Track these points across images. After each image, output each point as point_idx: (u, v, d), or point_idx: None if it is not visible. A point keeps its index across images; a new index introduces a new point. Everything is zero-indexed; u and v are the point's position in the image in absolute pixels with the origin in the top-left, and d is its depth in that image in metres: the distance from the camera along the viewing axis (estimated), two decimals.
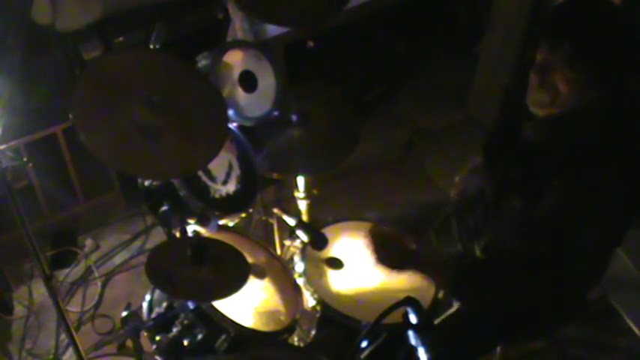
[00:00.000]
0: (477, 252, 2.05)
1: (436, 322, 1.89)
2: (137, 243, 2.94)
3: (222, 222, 1.92)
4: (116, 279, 2.83)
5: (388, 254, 1.73)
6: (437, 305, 1.88)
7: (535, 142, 1.70)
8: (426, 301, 1.79)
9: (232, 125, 1.94)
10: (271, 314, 1.87)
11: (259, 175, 1.97)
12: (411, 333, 1.39)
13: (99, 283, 2.79)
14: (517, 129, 1.77)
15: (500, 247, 1.93)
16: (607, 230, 1.62)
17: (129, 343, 1.79)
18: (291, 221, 1.90)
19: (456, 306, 2.09)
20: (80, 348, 1.91)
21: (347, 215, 2.12)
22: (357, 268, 1.92)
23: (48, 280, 1.75)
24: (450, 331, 1.88)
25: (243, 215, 2.00)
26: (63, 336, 2.57)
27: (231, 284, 1.64)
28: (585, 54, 1.52)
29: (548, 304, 1.68)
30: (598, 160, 1.56)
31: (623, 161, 1.56)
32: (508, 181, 1.74)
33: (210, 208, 1.84)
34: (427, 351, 1.37)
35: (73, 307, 2.71)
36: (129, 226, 2.99)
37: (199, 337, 1.76)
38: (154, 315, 1.83)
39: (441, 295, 1.90)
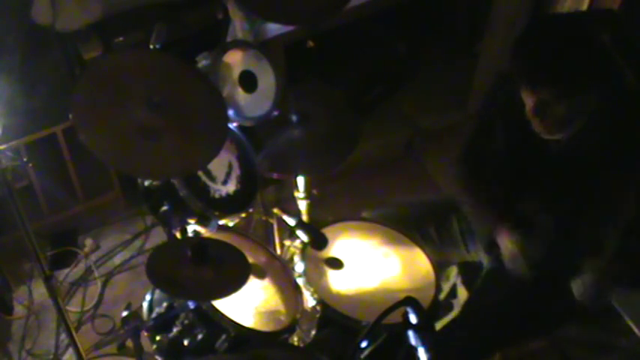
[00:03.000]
0: (480, 253, 2.05)
1: (437, 326, 1.90)
2: (137, 243, 2.94)
3: (222, 222, 1.92)
4: (116, 279, 2.83)
5: None
6: (437, 305, 1.88)
7: (560, 156, 1.68)
8: (426, 301, 1.79)
9: (232, 125, 1.94)
10: (271, 314, 1.87)
11: (259, 175, 1.97)
12: (411, 333, 1.39)
13: (99, 283, 2.79)
14: (512, 133, 1.77)
15: None
16: None
17: (129, 343, 1.79)
18: (291, 221, 1.90)
19: (456, 309, 2.10)
20: (80, 348, 1.90)
21: (347, 215, 2.12)
22: (357, 268, 1.92)
23: (48, 280, 1.75)
24: (450, 332, 1.88)
25: (243, 215, 2.00)
26: (63, 336, 2.57)
27: (232, 284, 1.64)
28: (569, 84, 1.51)
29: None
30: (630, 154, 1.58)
31: None
32: (531, 194, 1.74)
33: (210, 208, 1.84)
34: (427, 351, 1.37)
35: (73, 307, 2.71)
36: (129, 226, 2.99)
37: (199, 337, 1.76)
38: (154, 315, 1.83)
39: (441, 295, 1.90)
